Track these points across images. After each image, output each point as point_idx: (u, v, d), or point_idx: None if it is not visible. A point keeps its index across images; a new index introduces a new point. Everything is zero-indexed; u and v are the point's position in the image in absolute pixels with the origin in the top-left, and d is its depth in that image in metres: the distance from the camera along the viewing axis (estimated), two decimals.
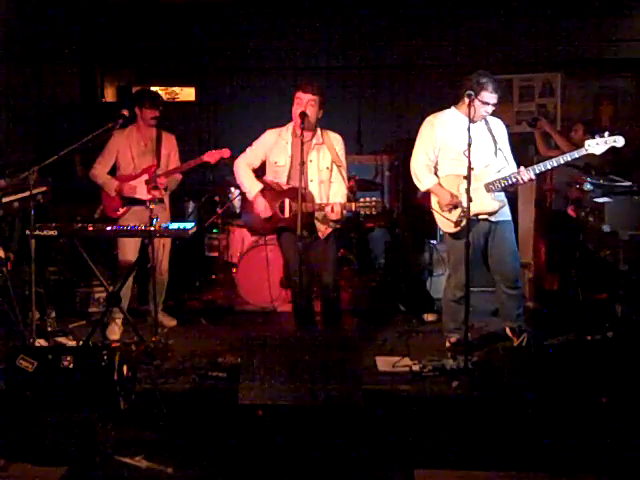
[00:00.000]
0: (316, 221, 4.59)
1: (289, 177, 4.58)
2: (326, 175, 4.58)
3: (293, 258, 4.52)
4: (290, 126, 4.62)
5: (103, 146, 5.28)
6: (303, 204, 4.30)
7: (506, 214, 4.71)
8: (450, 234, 4.68)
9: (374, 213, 4.43)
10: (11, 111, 6.03)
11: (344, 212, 4.44)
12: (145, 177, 5.24)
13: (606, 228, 4.59)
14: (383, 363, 4.56)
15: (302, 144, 4.38)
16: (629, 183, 4.90)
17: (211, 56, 7.39)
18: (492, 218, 4.63)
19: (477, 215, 4.56)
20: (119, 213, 5.24)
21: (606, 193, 4.81)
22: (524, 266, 6.22)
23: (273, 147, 4.64)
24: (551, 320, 5.31)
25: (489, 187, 4.56)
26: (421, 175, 4.65)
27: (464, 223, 4.46)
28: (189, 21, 7.12)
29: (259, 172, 4.74)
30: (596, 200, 4.76)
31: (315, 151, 4.57)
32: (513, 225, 4.80)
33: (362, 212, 4.46)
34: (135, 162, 5.27)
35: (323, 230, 4.61)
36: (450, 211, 4.61)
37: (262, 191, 4.60)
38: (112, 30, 7.06)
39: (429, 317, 5.57)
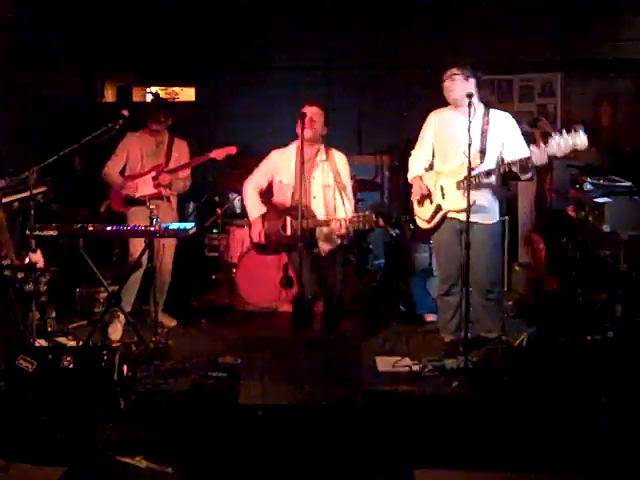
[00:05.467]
0: (318, 239, 4.59)
1: (293, 194, 4.63)
2: (329, 193, 4.64)
3: (301, 274, 4.49)
4: (295, 145, 4.66)
5: (115, 146, 5.36)
6: (303, 220, 4.30)
7: (485, 217, 4.53)
8: (426, 230, 4.75)
9: (367, 228, 4.32)
10: (11, 111, 6.02)
11: (350, 227, 4.37)
12: (153, 174, 5.30)
13: (606, 228, 4.59)
14: (383, 363, 4.56)
15: (302, 146, 4.38)
16: (629, 183, 4.90)
17: (211, 56, 7.39)
18: (463, 217, 4.42)
19: (449, 212, 4.58)
20: (125, 208, 5.30)
21: (606, 193, 4.82)
22: (523, 266, 6.24)
23: (279, 167, 4.72)
24: (551, 320, 5.32)
25: (459, 184, 4.49)
26: (410, 166, 4.80)
27: (436, 221, 4.61)
28: (189, 21, 7.11)
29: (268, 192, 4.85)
30: (596, 200, 4.77)
31: (319, 168, 4.63)
32: (496, 230, 4.63)
33: (355, 227, 4.33)
34: (144, 162, 5.34)
35: (325, 248, 4.62)
36: (422, 205, 4.68)
37: (264, 215, 4.70)
38: (112, 30, 7.05)
39: (429, 317, 5.57)
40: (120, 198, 5.33)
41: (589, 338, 4.65)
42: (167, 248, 5.30)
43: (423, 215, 4.72)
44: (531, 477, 3.25)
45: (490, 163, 4.52)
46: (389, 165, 7.50)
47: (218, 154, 5.25)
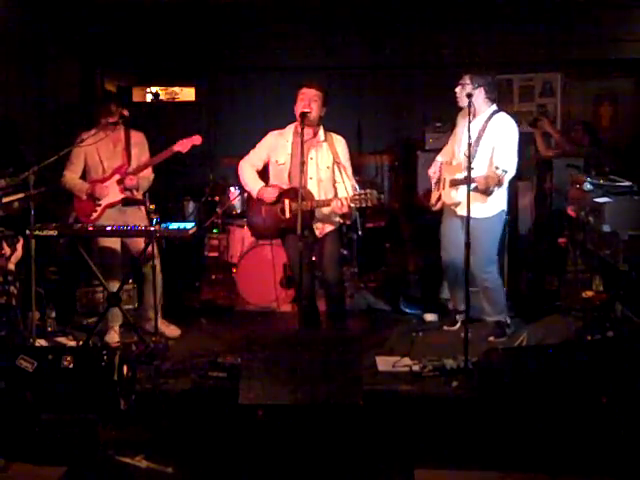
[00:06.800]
0: (315, 221, 4.58)
1: (290, 176, 4.59)
2: (326, 174, 4.57)
3: (295, 259, 4.52)
4: (292, 126, 4.62)
5: (69, 153, 5.00)
6: (302, 202, 4.29)
7: (476, 211, 4.64)
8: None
9: (369, 205, 4.34)
10: (11, 111, 6.02)
11: (352, 206, 4.36)
12: (117, 177, 5.02)
13: (606, 228, 4.59)
14: (383, 363, 4.56)
15: (302, 143, 4.37)
16: (629, 183, 4.90)
17: (211, 56, 7.39)
18: (458, 212, 4.85)
19: (445, 203, 5.02)
20: (93, 218, 5.00)
21: (606, 193, 4.81)
22: (523, 266, 6.24)
23: (275, 147, 4.65)
24: (551, 320, 5.32)
25: (452, 182, 4.86)
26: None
27: (438, 206, 5.09)
28: (189, 21, 7.12)
29: (262, 176, 4.76)
30: (596, 200, 4.76)
31: (316, 149, 4.57)
32: (488, 223, 4.81)
33: (357, 205, 4.35)
34: (104, 164, 5.03)
35: (320, 228, 4.61)
36: (436, 189, 5.13)
37: (261, 199, 4.62)
38: (112, 30, 7.06)
39: (429, 317, 5.57)
40: (86, 209, 5.01)
41: (589, 338, 4.66)
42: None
43: (432, 199, 5.16)
44: (531, 477, 3.25)
45: (477, 170, 4.65)
46: (389, 165, 7.51)
47: (183, 146, 4.96)
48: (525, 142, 6.71)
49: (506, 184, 4.77)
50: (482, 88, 4.72)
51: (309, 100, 4.47)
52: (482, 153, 4.73)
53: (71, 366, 3.76)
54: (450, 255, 5.06)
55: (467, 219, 4.39)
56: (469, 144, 4.39)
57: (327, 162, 4.57)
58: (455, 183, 4.81)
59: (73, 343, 4.91)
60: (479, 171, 4.65)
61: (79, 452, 3.45)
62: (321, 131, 4.60)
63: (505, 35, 7.08)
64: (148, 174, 5.13)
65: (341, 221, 4.67)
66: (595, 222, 4.74)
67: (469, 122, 4.38)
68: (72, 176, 5.06)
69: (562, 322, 5.17)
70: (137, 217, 5.05)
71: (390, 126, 7.51)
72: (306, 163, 4.48)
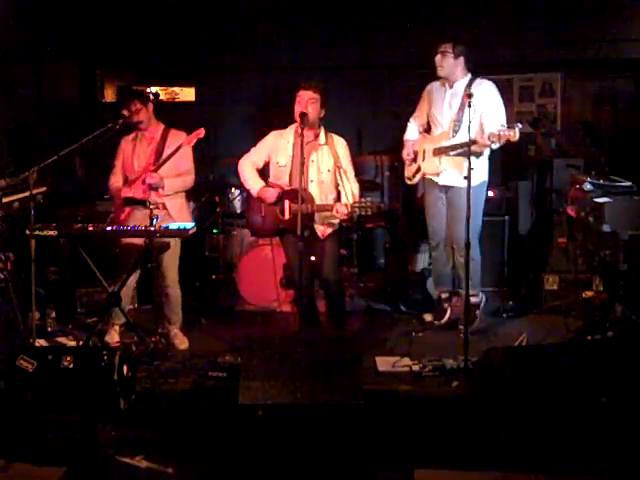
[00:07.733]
0: (315, 223, 4.58)
1: (291, 177, 4.58)
2: (327, 177, 4.57)
3: (293, 259, 4.53)
4: (293, 127, 4.62)
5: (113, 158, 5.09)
6: (302, 205, 4.28)
7: (458, 180, 4.71)
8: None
9: (369, 214, 4.38)
10: (11, 111, 6.02)
11: (354, 210, 4.36)
12: (143, 177, 4.98)
13: (606, 228, 4.59)
14: (383, 363, 4.56)
15: (302, 144, 4.37)
16: (629, 183, 4.90)
17: (211, 56, 7.39)
18: (440, 181, 5.01)
19: (425, 175, 5.12)
20: (121, 219, 4.99)
21: (606, 193, 4.82)
22: (523, 266, 6.24)
23: (276, 148, 4.64)
24: (551, 320, 5.32)
25: (435, 152, 4.99)
26: (407, 129, 5.35)
27: (416, 179, 5.22)
28: (189, 21, 7.11)
29: (262, 175, 4.76)
30: (596, 200, 4.76)
31: (317, 152, 4.57)
32: (473, 192, 4.57)
33: (357, 212, 4.39)
34: (135, 165, 5.01)
35: (322, 230, 4.61)
36: (410, 164, 5.24)
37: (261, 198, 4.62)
38: (112, 30, 7.05)
39: (429, 317, 5.56)
40: (117, 210, 5.03)
41: (589, 338, 4.66)
42: (167, 257, 4.94)
43: (408, 173, 5.28)
44: (531, 477, 3.25)
45: (464, 136, 4.67)
46: (389, 165, 7.50)
47: (189, 140, 4.93)
48: (525, 142, 6.74)
49: (487, 154, 4.91)
50: (462, 57, 4.92)
51: (305, 103, 4.46)
52: (467, 121, 4.57)
53: (71, 366, 3.77)
54: (434, 230, 5.21)
55: (467, 219, 4.38)
56: (469, 126, 4.44)
57: (328, 165, 4.56)
58: (441, 151, 4.94)
59: (73, 343, 4.91)
60: (466, 137, 4.56)
61: (79, 452, 3.45)
62: (322, 133, 4.59)
63: (505, 35, 7.07)
64: (181, 175, 4.97)
65: (343, 223, 4.67)
66: (595, 222, 4.74)
67: (469, 121, 4.41)
68: (114, 178, 5.09)
69: (562, 322, 5.16)
70: (165, 221, 4.80)
71: (390, 126, 7.49)
72: (307, 165, 4.48)
